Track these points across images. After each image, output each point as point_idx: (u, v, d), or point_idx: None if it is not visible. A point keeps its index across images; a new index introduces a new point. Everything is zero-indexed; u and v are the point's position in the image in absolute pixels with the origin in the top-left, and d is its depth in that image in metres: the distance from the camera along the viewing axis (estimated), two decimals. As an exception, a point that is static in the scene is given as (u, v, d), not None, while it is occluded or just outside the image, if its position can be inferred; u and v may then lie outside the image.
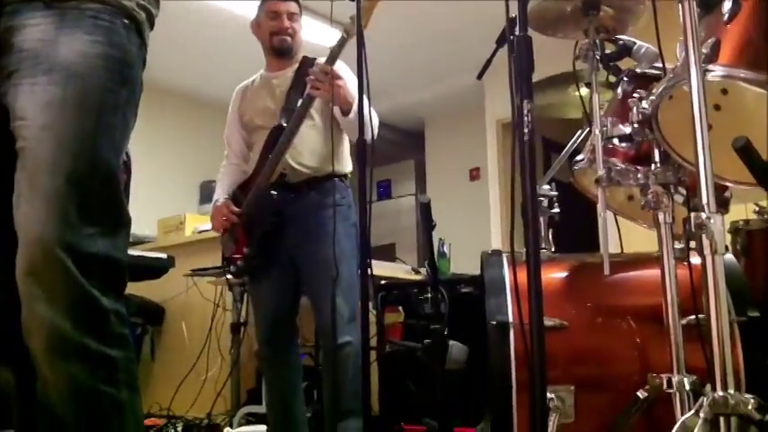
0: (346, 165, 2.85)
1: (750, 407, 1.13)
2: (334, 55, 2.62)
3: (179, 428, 3.88)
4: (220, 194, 2.97)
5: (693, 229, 1.10)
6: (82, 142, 1.23)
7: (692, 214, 1.11)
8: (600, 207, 1.68)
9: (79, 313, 1.18)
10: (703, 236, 1.10)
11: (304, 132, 2.70)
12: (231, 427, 3.55)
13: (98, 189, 1.24)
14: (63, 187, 1.20)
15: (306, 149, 2.72)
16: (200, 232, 4.77)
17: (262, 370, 2.96)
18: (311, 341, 3.81)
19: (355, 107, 2.41)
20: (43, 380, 1.20)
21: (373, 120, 2.54)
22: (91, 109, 1.25)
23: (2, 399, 1.40)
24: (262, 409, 3.73)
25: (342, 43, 2.61)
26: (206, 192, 5.78)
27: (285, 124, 2.73)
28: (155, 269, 3.49)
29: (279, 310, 2.83)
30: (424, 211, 1.77)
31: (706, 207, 1.11)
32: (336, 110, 2.64)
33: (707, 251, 1.10)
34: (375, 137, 2.62)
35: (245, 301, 4.24)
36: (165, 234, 4.73)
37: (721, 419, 1.13)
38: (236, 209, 2.85)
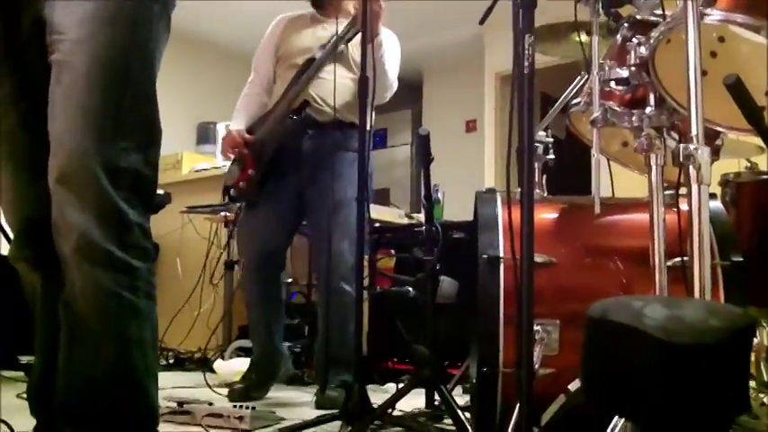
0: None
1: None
2: None
3: (170, 360, 3.96)
4: (236, 124, 2.96)
5: (681, 159, 1.14)
6: (116, 57, 1.26)
7: (681, 145, 1.15)
8: (594, 148, 1.72)
9: (107, 222, 1.23)
10: (690, 166, 1.14)
11: (339, 80, 2.66)
12: (223, 359, 3.63)
13: (131, 103, 1.27)
14: (97, 101, 1.23)
15: (336, 92, 2.67)
16: (197, 171, 4.81)
17: (247, 299, 3.02)
18: (303, 280, 3.88)
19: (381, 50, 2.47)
20: (70, 282, 1.26)
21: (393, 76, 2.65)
22: (125, 24, 1.28)
23: (27, 301, 1.47)
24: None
25: None
26: (203, 132, 5.79)
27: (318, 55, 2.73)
28: (151, 205, 3.52)
29: (272, 241, 2.86)
30: (423, 143, 1.80)
31: (694, 138, 1.15)
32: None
33: (693, 180, 1.14)
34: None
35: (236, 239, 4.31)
36: (161, 171, 4.74)
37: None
38: (248, 136, 2.86)
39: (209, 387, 2.88)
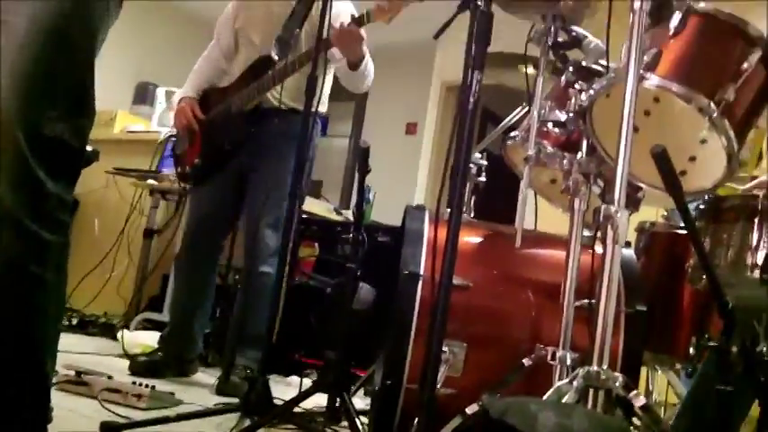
0: (322, 104, 2.89)
1: (618, 384, 1.26)
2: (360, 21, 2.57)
3: (74, 321, 3.87)
4: (189, 90, 2.98)
5: (602, 219, 1.20)
6: (56, 21, 1.22)
7: (603, 205, 1.21)
8: (523, 183, 1.78)
9: (21, 190, 1.20)
10: (609, 226, 1.20)
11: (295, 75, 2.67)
12: (128, 329, 3.57)
13: (65, 71, 1.24)
14: (29, 64, 1.19)
15: (292, 87, 2.71)
16: (130, 132, 4.70)
17: (176, 275, 3.01)
18: (222, 261, 3.84)
19: (363, 63, 2.52)
20: None
21: (371, 71, 2.66)
22: None
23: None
24: (160, 317, 3.77)
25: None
26: (141, 93, 5.65)
27: (276, 57, 2.72)
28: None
29: (210, 221, 2.88)
30: (362, 155, 1.83)
31: (616, 201, 1.22)
32: (344, 62, 2.67)
33: (609, 240, 1.21)
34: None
35: (159, 208, 4.24)
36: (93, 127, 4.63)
37: (591, 391, 1.25)
38: (200, 115, 2.87)
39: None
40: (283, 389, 2.80)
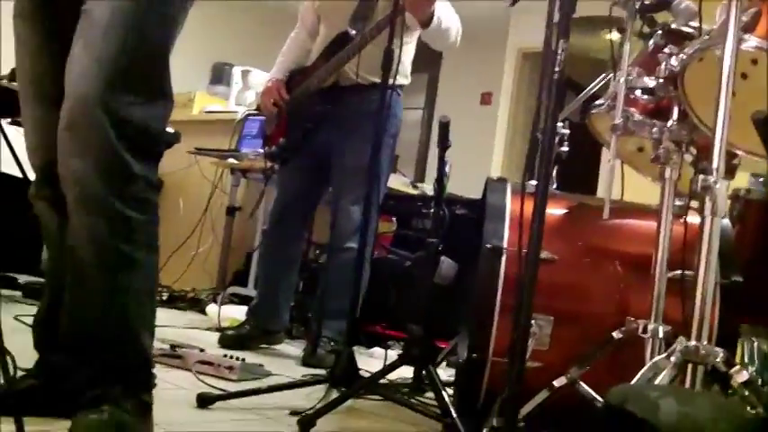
0: (405, 76, 2.88)
1: (719, 359, 1.22)
2: None
3: (164, 297, 4.00)
4: (277, 72, 3.06)
5: (699, 190, 1.16)
6: (136, 11, 1.28)
7: (701, 176, 1.17)
8: (611, 153, 1.73)
9: (108, 172, 1.25)
10: (707, 197, 1.16)
11: (370, 47, 2.64)
12: (216, 303, 3.67)
13: (145, 60, 1.30)
14: (111, 51, 1.25)
15: (370, 61, 2.63)
16: (208, 112, 4.80)
17: (263, 250, 3.09)
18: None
19: (435, 20, 2.49)
20: (72, 226, 1.29)
21: (451, 25, 2.67)
22: None
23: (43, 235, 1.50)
24: (246, 291, 3.87)
25: None
26: (218, 73, 5.74)
27: (353, 33, 2.73)
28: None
29: (296, 197, 2.94)
30: (442, 130, 1.82)
31: (715, 171, 1.17)
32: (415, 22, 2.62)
33: (708, 212, 1.16)
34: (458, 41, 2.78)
35: (240, 186, 4.33)
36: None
37: (689, 366, 1.22)
38: (285, 95, 2.94)
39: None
40: (366, 360, 2.84)
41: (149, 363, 1.37)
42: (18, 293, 3.36)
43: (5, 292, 3.40)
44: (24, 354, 1.53)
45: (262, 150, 3.20)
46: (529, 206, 1.42)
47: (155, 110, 1.31)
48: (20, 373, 1.52)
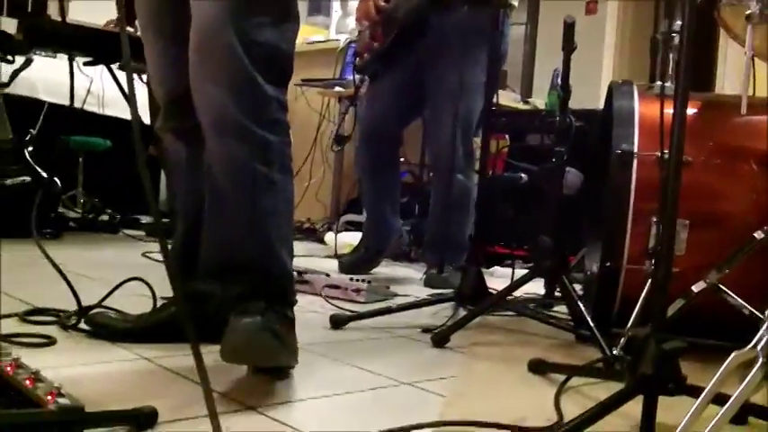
0: None
1: None
2: None
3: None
4: None
5: None
6: None
7: None
8: (747, 46, 1.61)
9: (242, 95, 1.26)
10: None
11: None
12: (332, 231, 3.75)
13: None
14: None
15: None
16: (309, 43, 4.80)
17: (359, 173, 3.05)
18: (414, 160, 3.89)
19: None
20: (209, 151, 1.32)
21: None
22: None
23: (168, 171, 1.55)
24: (360, 218, 3.92)
25: None
26: (315, 3, 5.71)
27: None
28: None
29: (387, 114, 2.84)
30: (568, 31, 1.73)
31: None
32: None
33: None
34: None
35: (349, 114, 4.33)
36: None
37: None
38: (382, 3, 2.77)
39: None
40: (488, 279, 2.83)
41: (292, 280, 1.39)
42: (142, 233, 3.54)
43: (129, 231, 3.60)
44: (160, 286, 1.62)
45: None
46: (653, 108, 1.34)
47: (284, 31, 1.31)
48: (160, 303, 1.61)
